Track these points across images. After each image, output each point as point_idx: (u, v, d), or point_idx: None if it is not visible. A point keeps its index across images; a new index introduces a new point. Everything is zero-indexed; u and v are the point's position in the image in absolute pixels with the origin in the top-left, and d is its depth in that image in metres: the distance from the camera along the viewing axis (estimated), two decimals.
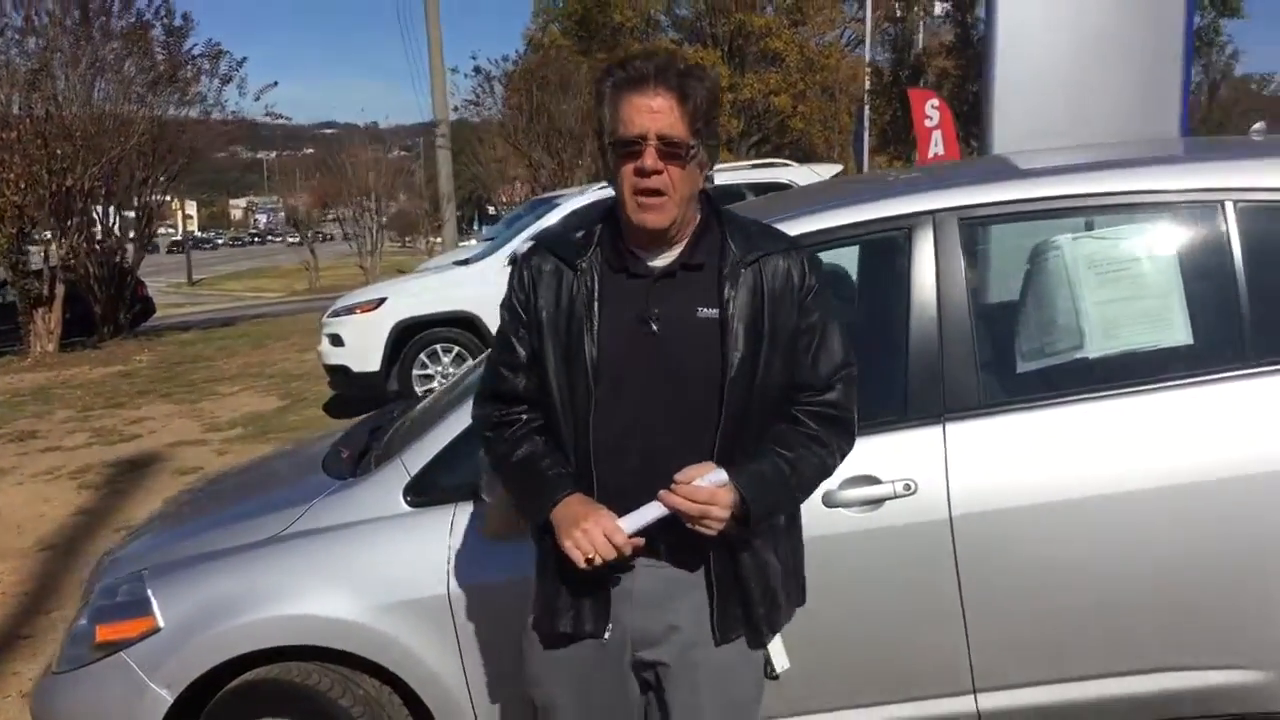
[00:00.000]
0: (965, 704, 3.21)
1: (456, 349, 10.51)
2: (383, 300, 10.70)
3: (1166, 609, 3.13)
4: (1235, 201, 3.19)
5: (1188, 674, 3.16)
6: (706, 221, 2.38)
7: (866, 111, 29.44)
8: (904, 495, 3.07)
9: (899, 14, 36.93)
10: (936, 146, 18.83)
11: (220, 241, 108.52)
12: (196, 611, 3.27)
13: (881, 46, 38.30)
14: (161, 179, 21.05)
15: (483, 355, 4.28)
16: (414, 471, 3.31)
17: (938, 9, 36.22)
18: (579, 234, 2.43)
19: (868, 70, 33.44)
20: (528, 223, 11.45)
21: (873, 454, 3.02)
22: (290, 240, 74.96)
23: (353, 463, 3.74)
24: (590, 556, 2.25)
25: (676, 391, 2.31)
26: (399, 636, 3.20)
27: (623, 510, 2.29)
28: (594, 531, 2.25)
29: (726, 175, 11.57)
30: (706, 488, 2.22)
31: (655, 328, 2.30)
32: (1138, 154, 3.60)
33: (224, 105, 21.70)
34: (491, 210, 48.70)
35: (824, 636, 2.99)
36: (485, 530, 3.16)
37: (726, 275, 2.31)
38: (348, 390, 10.76)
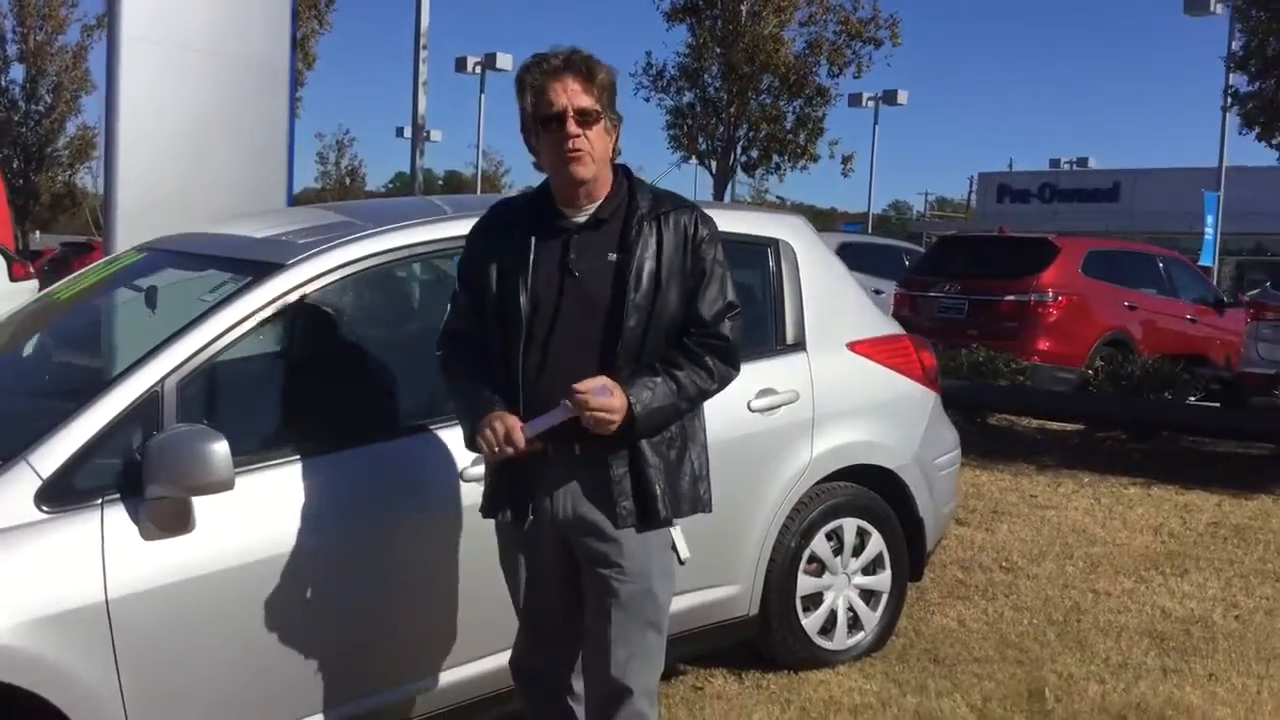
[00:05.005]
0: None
1: None
2: None
3: None
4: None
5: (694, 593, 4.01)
6: (618, 187, 2.95)
7: None
8: None
9: None
10: None
11: None
12: None
13: None
14: None
15: None
16: (48, 474, 2.87)
17: None
18: (515, 205, 3.04)
19: None
20: None
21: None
22: None
23: None
24: (495, 449, 2.80)
25: (591, 324, 2.85)
26: (47, 655, 2.79)
27: None
28: (490, 433, 2.79)
29: None
30: (598, 391, 2.73)
31: (576, 272, 2.88)
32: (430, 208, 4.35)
33: None
34: None
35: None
36: (150, 528, 2.96)
37: (633, 226, 2.88)
38: None
